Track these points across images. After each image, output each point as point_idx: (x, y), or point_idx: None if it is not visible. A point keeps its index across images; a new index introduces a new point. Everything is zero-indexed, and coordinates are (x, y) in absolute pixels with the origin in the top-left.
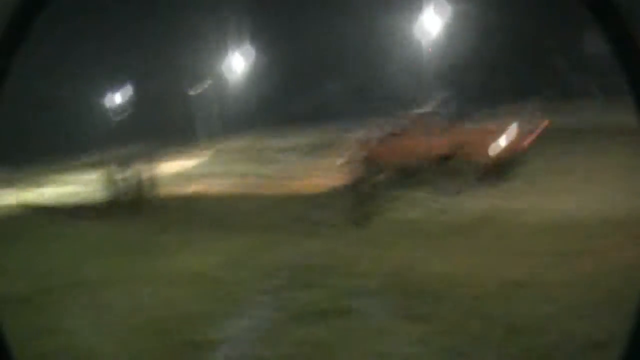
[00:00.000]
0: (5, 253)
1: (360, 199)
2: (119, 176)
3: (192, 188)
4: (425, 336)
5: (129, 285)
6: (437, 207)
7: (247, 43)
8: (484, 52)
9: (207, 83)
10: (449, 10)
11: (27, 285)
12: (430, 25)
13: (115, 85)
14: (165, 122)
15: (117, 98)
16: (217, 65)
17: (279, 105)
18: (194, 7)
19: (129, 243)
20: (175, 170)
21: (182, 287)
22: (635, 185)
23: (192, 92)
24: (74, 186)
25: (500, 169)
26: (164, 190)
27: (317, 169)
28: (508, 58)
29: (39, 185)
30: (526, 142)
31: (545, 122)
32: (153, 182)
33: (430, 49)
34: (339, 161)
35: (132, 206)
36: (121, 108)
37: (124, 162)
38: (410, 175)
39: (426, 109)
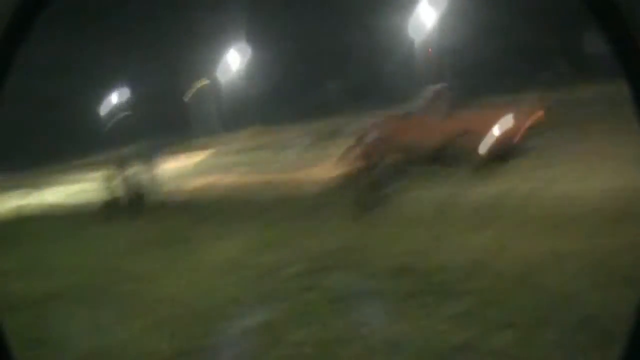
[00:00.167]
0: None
1: (368, 187)
2: (120, 176)
3: (194, 184)
4: (471, 309)
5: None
6: (449, 189)
7: (243, 41)
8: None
9: (205, 81)
10: (444, 4)
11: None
12: (426, 18)
13: (113, 86)
14: (164, 121)
15: (114, 98)
16: (214, 64)
17: (276, 104)
18: (192, 7)
19: (142, 240)
20: (176, 168)
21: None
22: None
23: (190, 91)
24: (77, 186)
25: (501, 155)
26: (167, 188)
27: (322, 158)
28: (507, 55)
29: (40, 186)
30: (523, 130)
31: (541, 112)
32: (155, 181)
33: (430, 50)
34: (342, 150)
35: (136, 205)
36: (119, 108)
37: (125, 162)
38: (413, 161)
39: (420, 102)
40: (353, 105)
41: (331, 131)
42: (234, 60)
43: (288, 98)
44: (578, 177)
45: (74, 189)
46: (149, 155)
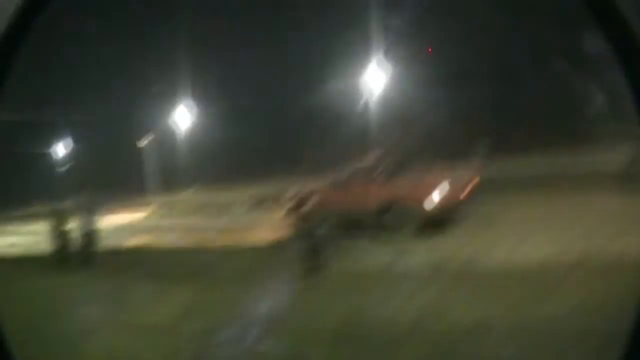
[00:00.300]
0: None
1: (308, 251)
2: (63, 228)
3: (136, 241)
4: None
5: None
6: (385, 257)
7: (192, 97)
8: (426, 107)
9: (153, 135)
10: (391, 67)
11: None
12: (374, 80)
13: (59, 135)
14: (110, 174)
15: (61, 148)
16: (164, 118)
17: (219, 165)
18: (143, 58)
19: (79, 295)
20: (120, 223)
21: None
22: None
23: (138, 144)
24: (16, 237)
25: (438, 221)
26: (108, 243)
27: (262, 222)
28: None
29: None
30: (460, 196)
31: (477, 179)
32: (97, 234)
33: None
34: (282, 214)
35: (77, 258)
36: (65, 159)
37: (68, 213)
38: (352, 225)
39: (365, 163)
40: (294, 169)
41: (272, 195)
42: (180, 118)
43: (230, 160)
44: (515, 242)
45: (12, 240)
46: (93, 208)
